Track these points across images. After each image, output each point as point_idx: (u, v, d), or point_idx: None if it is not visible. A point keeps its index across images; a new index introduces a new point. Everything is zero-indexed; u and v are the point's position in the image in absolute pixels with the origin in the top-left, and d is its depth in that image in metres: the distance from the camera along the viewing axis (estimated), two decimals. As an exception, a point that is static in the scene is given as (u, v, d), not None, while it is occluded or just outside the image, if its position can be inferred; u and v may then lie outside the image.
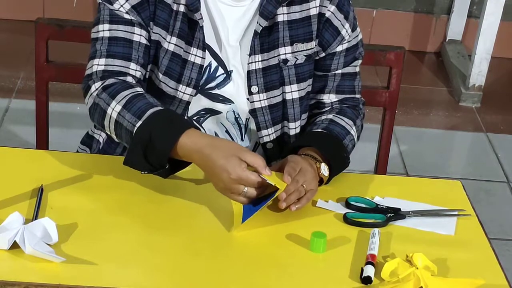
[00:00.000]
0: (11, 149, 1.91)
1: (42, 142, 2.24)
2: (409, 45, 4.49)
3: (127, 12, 1.83)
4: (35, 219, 1.60)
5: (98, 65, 1.83)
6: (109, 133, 1.80)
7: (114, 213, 1.68)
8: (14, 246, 1.52)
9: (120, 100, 1.75)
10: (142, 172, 1.74)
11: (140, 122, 1.69)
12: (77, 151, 2.06)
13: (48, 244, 1.54)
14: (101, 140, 2.01)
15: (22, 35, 4.16)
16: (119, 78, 1.81)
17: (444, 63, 4.45)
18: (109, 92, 1.77)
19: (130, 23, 1.83)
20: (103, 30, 1.84)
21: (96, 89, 1.80)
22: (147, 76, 1.89)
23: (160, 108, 1.72)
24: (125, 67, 1.83)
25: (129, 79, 1.82)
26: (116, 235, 1.61)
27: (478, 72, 4.06)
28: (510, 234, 3.21)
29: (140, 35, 1.84)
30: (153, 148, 1.67)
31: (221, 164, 1.62)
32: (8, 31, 4.28)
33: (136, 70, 1.84)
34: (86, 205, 1.69)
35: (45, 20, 2.17)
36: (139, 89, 1.78)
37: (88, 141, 2.05)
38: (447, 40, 4.54)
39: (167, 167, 1.70)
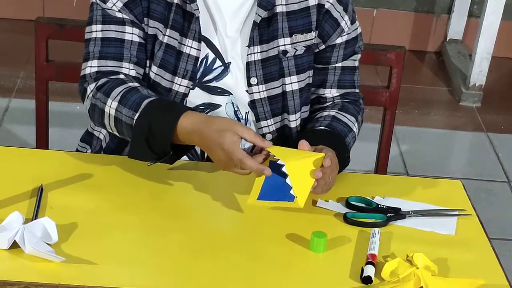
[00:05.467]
0: (11, 148, 1.90)
1: (42, 142, 2.23)
2: (409, 45, 4.49)
3: (119, 11, 1.84)
4: (35, 218, 1.60)
5: (91, 67, 1.85)
6: (110, 131, 1.83)
7: (114, 212, 1.68)
8: (14, 245, 1.52)
9: (115, 97, 1.78)
10: (148, 164, 1.76)
11: (137, 114, 1.72)
12: (77, 150, 2.05)
13: (48, 244, 1.53)
14: (101, 137, 2.01)
15: (22, 34, 4.16)
16: (111, 77, 1.83)
17: (445, 63, 4.45)
18: (103, 90, 1.80)
19: (122, 22, 1.85)
20: (96, 31, 1.86)
21: (91, 91, 1.83)
22: (146, 72, 1.89)
23: (155, 97, 1.76)
24: (118, 66, 1.85)
25: (122, 77, 1.84)
26: (116, 234, 1.61)
27: (479, 71, 4.06)
28: (511, 234, 3.21)
29: (132, 33, 1.85)
30: (154, 136, 1.70)
31: (215, 138, 1.66)
32: (8, 30, 4.28)
33: (129, 69, 1.85)
34: (86, 205, 1.68)
35: (45, 20, 2.17)
36: (131, 84, 1.81)
37: (88, 139, 2.05)
38: (447, 39, 4.54)
39: (171, 153, 1.72)
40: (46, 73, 2.17)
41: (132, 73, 1.86)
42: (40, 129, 2.23)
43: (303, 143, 1.71)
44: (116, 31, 1.85)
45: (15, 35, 4.21)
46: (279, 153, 1.67)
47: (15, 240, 1.52)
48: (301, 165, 1.66)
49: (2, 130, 3.48)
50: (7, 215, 1.55)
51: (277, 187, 1.66)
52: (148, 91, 1.80)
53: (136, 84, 1.82)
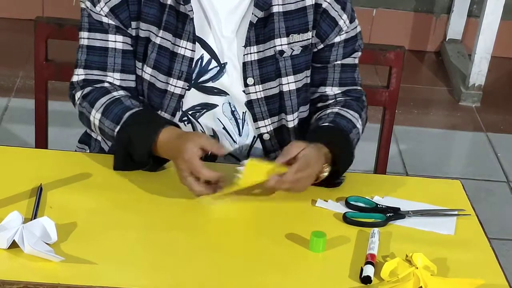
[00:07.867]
0: (10, 148, 1.90)
1: (41, 141, 2.23)
2: (409, 45, 4.49)
3: (106, 16, 1.85)
4: (34, 218, 1.60)
5: (78, 75, 1.91)
6: (99, 137, 1.88)
7: (113, 212, 1.68)
8: (13, 245, 1.52)
9: (99, 108, 1.84)
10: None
11: (118, 127, 1.79)
12: (75, 150, 2.05)
13: (47, 244, 1.53)
14: (99, 138, 2.01)
15: (22, 34, 4.15)
16: (96, 86, 1.88)
17: (444, 63, 4.45)
18: (88, 100, 1.87)
19: (106, 30, 1.87)
20: (83, 38, 1.90)
21: (78, 98, 1.89)
22: (140, 74, 1.90)
23: (136, 109, 1.80)
24: (103, 75, 1.89)
25: (106, 85, 1.89)
26: (116, 234, 1.61)
27: (478, 71, 4.06)
28: (510, 234, 3.21)
29: (115, 41, 1.88)
30: (134, 149, 1.75)
31: (178, 147, 1.69)
32: (7, 30, 4.28)
33: (114, 78, 1.89)
34: (85, 204, 1.68)
35: (44, 19, 2.17)
36: (115, 94, 1.85)
37: (86, 140, 2.06)
38: (447, 39, 4.54)
39: (151, 163, 1.78)
40: (46, 72, 2.17)
41: (117, 82, 1.90)
42: (40, 128, 2.23)
43: (292, 148, 1.72)
44: (100, 39, 1.88)
45: (15, 35, 4.21)
46: (249, 168, 1.69)
47: (14, 240, 1.52)
48: (260, 166, 1.70)
49: (2, 130, 3.48)
50: (7, 215, 1.55)
51: None
52: (131, 101, 1.84)
53: (121, 93, 1.86)
